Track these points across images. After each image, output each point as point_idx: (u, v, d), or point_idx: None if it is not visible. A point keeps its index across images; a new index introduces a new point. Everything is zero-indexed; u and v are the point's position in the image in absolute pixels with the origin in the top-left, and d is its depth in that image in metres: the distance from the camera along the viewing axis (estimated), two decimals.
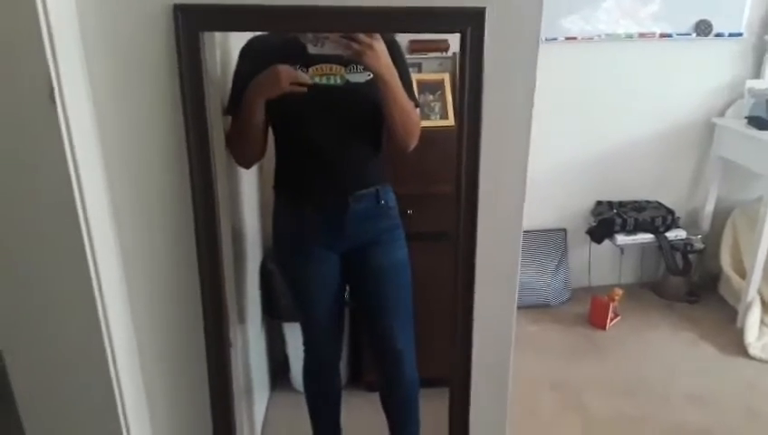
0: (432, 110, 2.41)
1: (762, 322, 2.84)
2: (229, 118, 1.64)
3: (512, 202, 1.05)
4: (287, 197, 1.75)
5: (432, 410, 2.03)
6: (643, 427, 2.29)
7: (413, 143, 1.67)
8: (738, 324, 2.89)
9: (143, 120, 1.02)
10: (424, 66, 2.66)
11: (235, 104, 1.62)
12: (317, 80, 1.57)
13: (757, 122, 2.87)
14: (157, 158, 1.03)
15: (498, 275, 1.07)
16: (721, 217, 3.18)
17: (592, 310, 2.96)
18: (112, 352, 0.92)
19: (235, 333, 1.79)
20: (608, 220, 3.01)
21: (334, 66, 1.58)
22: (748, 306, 2.85)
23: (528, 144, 1.04)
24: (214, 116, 1.41)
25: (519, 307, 2.93)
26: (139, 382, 1.05)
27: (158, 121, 1.02)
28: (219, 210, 1.00)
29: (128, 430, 0.98)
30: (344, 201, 1.69)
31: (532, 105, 1.03)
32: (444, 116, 2.39)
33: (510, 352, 1.11)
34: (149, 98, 1.01)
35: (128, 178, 1.01)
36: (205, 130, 0.98)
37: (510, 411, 2.30)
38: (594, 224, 3.08)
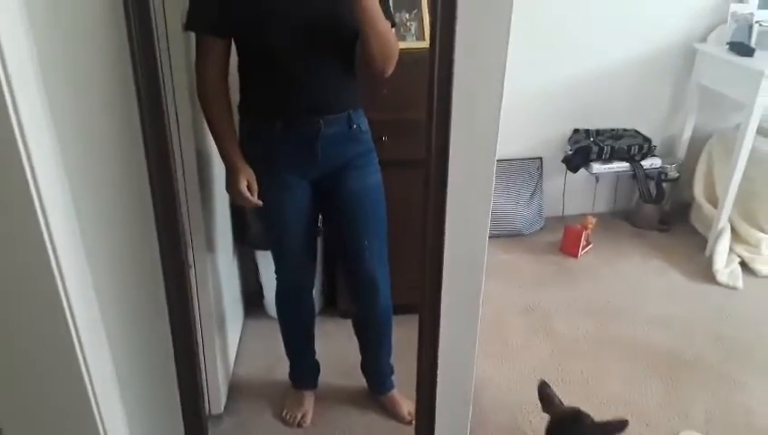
0: (408, 30, 2.31)
1: (730, 249, 2.89)
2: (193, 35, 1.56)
3: (486, 129, 1.00)
4: (255, 120, 1.68)
5: (403, 337, 2.05)
6: (609, 347, 2.35)
7: (390, 68, 1.61)
8: (707, 252, 2.94)
9: (82, 27, 0.94)
10: None
11: (197, 20, 1.53)
12: None
13: (739, 48, 2.81)
14: (98, 72, 0.95)
15: (470, 203, 1.03)
16: (697, 145, 3.17)
17: (565, 238, 2.98)
18: (62, 278, 0.88)
19: (203, 260, 1.78)
20: (584, 148, 2.99)
21: None
22: (718, 234, 2.89)
23: (504, 65, 0.98)
24: (171, 32, 1.34)
25: (492, 236, 2.96)
26: (94, 311, 1.01)
27: (98, 30, 0.94)
28: (169, 124, 0.93)
29: (85, 361, 0.95)
30: (315, 125, 1.63)
31: (509, 20, 0.97)
32: (420, 37, 2.28)
33: (481, 281, 1.09)
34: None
35: (68, 91, 0.93)
36: (151, 45, 0.90)
37: (479, 336, 2.34)
38: (570, 152, 3.06)
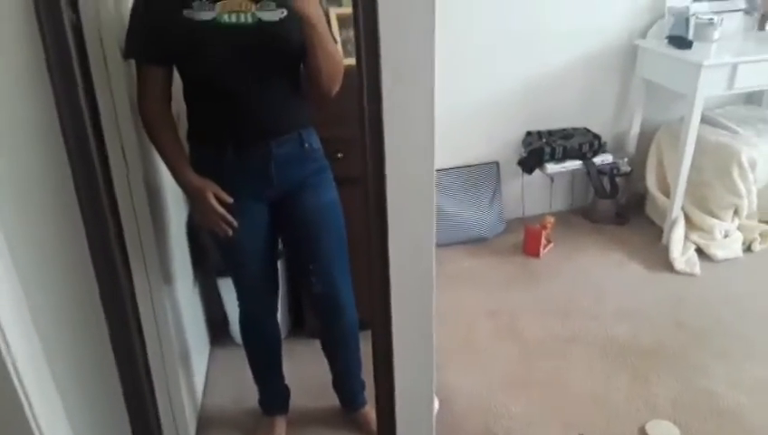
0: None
1: (685, 237, 2.96)
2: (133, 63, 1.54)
3: (420, 143, 1.01)
4: (204, 147, 1.67)
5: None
6: (575, 345, 2.38)
7: (336, 88, 1.62)
8: (663, 242, 3.00)
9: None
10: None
11: (135, 48, 1.52)
12: (225, 18, 1.49)
13: (677, 42, 2.90)
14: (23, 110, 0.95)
15: (412, 216, 1.04)
16: (646, 139, 3.25)
17: (526, 239, 3.01)
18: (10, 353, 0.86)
19: (160, 292, 1.75)
20: (537, 150, 3.03)
21: (244, 2, 1.49)
22: (673, 223, 2.96)
23: (433, 76, 1.00)
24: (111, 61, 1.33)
25: (456, 243, 3.03)
26: (43, 368, 0.99)
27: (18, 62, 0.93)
28: (99, 157, 0.92)
29: (31, 409, 0.93)
30: (266, 148, 1.63)
31: (433, 34, 0.98)
32: None
33: (431, 292, 1.10)
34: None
35: None
36: (70, 69, 0.89)
37: (448, 343, 2.36)
38: (524, 155, 3.11)
